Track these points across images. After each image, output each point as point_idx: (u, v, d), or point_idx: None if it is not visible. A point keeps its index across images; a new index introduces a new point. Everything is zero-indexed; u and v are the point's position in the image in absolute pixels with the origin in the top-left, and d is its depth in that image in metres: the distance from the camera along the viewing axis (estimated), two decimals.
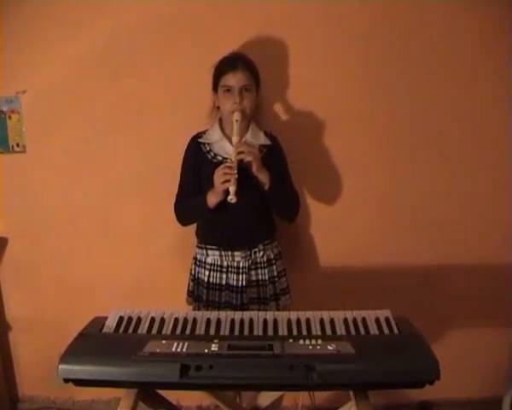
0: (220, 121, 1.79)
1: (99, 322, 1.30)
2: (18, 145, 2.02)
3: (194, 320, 1.31)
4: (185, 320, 1.31)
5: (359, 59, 1.93)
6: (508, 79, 1.93)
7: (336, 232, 2.06)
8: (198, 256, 1.81)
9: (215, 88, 1.74)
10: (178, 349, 1.14)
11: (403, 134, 2.00)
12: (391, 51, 1.93)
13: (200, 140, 1.77)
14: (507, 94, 1.95)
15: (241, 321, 1.31)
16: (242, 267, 1.74)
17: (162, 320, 1.31)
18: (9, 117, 1.99)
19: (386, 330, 1.26)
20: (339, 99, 1.96)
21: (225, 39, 1.84)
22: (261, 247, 1.76)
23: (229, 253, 1.73)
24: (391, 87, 1.96)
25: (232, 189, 1.55)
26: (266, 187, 1.64)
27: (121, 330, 1.27)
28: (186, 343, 1.16)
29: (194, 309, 1.81)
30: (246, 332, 1.27)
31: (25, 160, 2.03)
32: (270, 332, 1.27)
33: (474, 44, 1.93)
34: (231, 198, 1.56)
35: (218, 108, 1.76)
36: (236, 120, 1.64)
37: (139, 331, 1.27)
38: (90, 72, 1.96)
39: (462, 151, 2.02)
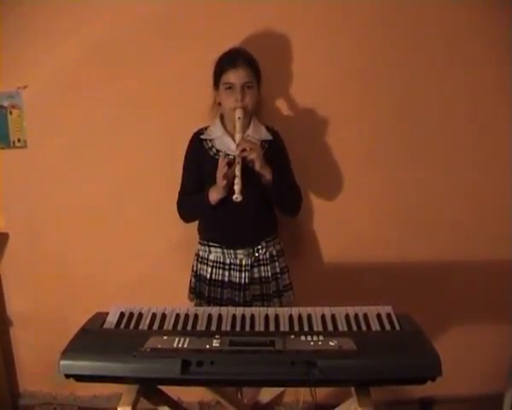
0: (221, 117, 1.77)
1: (100, 318, 1.30)
2: (19, 140, 2.02)
3: (196, 316, 1.31)
4: (186, 316, 1.31)
5: (361, 55, 1.92)
6: (509, 79, 1.92)
7: (338, 228, 2.05)
8: (200, 253, 1.80)
9: (216, 84, 1.72)
10: (180, 345, 1.14)
11: (404, 131, 1.99)
12: (393, 49, 1.92)
13: (201, 136, 1.76)
14: (507, 93, 1.93)
15: (243, 317, 1.30)
16: (245, 265, 1.73)
17: (163, 316, 1.31)
18: (10, 112, 1.99)
19: (387, 327, 1.26)
20: (341, 94, 1.95)
21: (226, 35, 1.83)
22: (264, 244, 1.75)
23: (232, 251, 1.73)
24: (393, 83, 1.95)
25: (237, 187, 1.53)
26: (269, 183, 1.63)
27: (122, 325, 1.27)
28: (187, 339, 1.16)
29: (195, 306, 1.80)
30: (247, 328, 1.27)
31: (26, 155, 2.03)
32: (272, 328, 1.27)
33: (474, 44, 1.91)
34: (236, 197, 1.54)
35: (219, 104, 1.74)
36: (239, 118, 1.63)
37: (140, 327, 1.27)
38: (90, 67, 1.95)
39: (463, 150, 2.01)
